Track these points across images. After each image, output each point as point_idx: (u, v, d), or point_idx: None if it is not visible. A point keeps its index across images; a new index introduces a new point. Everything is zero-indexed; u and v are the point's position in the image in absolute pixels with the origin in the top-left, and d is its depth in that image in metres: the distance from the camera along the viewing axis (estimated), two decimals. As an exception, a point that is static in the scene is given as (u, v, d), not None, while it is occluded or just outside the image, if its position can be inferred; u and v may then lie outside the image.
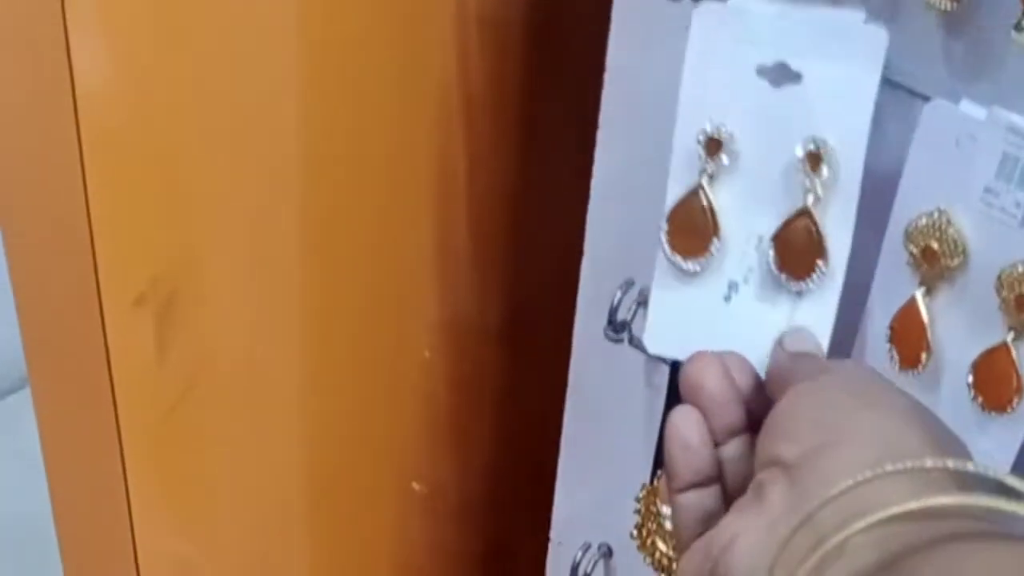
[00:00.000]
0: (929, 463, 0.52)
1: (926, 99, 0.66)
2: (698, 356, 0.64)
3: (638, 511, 0.90)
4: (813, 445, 0.55)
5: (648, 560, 0.90)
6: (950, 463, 0.52)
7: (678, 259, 0.69)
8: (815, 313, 0.67)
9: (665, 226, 0.69)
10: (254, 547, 1.03)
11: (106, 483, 0.90)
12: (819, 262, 0.67)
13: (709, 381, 0.64)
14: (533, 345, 1.11)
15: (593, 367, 0.90)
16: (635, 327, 0.85)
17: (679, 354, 0.69)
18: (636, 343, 0.85)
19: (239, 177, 0.86)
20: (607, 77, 0.79)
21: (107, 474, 0.89)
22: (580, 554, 0.96)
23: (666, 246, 0.69)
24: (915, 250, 0.68)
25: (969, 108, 0.65)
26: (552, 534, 1.00)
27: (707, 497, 0.63)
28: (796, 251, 0.67)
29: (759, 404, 0.64)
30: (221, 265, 0.87)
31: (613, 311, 0.84)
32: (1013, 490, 0.50)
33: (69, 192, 0.79)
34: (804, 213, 0.66)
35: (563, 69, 1.02)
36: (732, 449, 0.64)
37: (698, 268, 0.68)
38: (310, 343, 0.97)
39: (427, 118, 0.96)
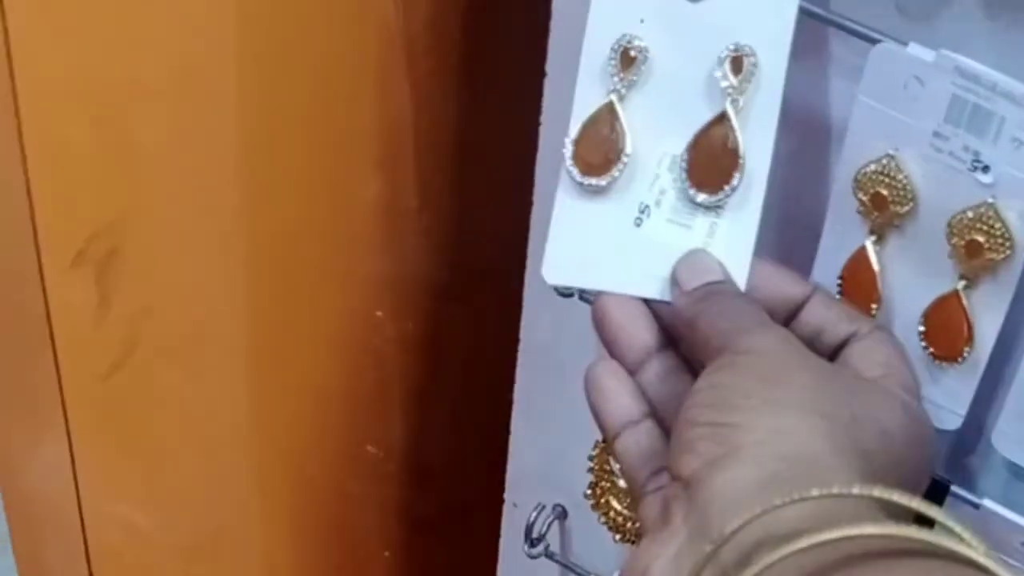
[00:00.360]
0: (814, 492, 0.51)
1: (874, 43, 0.65)
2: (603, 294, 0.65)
3: (591, 469, 0.89)
4: (708, 458, 0.55)
5: (602, 519, 0.89)
6: (856, 489, 0.51)
7: (582, 176, 0.66)
8: (733, 234, 0.64)
9: (570, 146, 0.66)
10: (203, 510, 1.02)
11: (50, 445, 0.89)
12: (734, 174, 0.64)
13: (613, 306, 0.64)
14: (486, 302, 1.10)
15: (544, 323, 0.89)
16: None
17: (582, 282, 0.68)
18: (587, 297, 0.84)
19: (179, 133, 0.84)
20: (553, 17, 0.78)
21: (51, 436, 0.88)
22: (534, 515, 0.95)
23: (569, 163, 0.66)
24: (865, 197, 0.67)
25: (917, 51, 0.64)
26: (506, 495, 0.99)
27: (641, 434, 0.63)
28: (711, 161, 0.64)
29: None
30: (162, 222, 0.86)
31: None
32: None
33: (5, 148, 0.77)
34: (722, 119, 0.64)
35: (510, 8, 1.00)
36: (651, 372, 0.64)
37: (604, 184, 0.65)
38: (257, 303, 0.96)
39: (370, 68, 0.95)
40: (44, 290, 0.81)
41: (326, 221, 0.98)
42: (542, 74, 0.80)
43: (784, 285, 0.64)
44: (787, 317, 0.64)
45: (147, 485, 0.97)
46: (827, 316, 0.63)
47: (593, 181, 0.65)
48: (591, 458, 0.89)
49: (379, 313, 1.06)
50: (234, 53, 0.85)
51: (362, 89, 0.95)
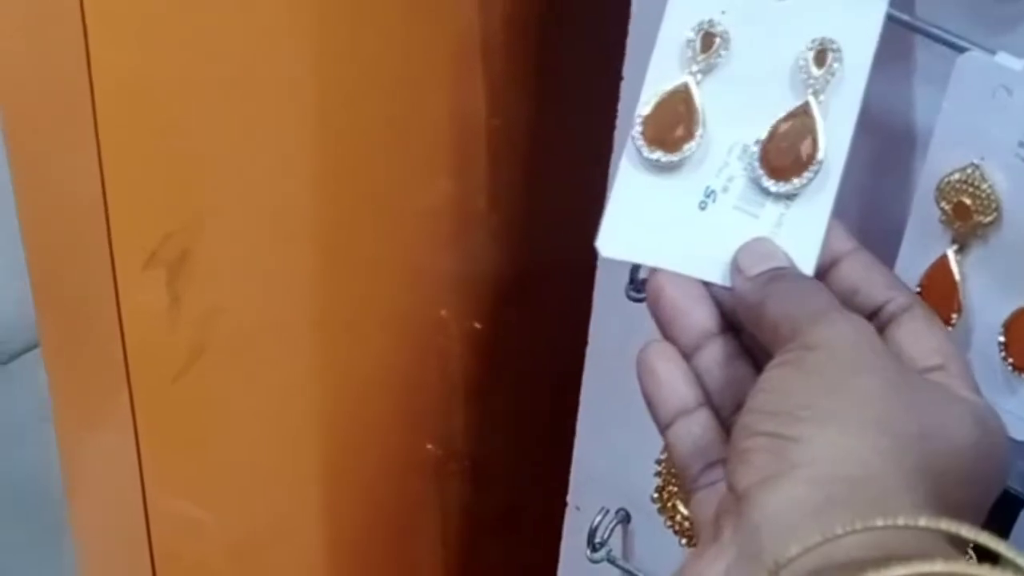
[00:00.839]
0: (879, 522, 0.49)
1: (961, 51, 0.64)
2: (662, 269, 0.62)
3: (659, 473, 0.89)
4: (763, 474, 0.52)
5: (668, 523, 0.89)
6: (923, 522, 0.49)
7: (649, 151, 0.63)
8: (802, 227, 0.62)
9: (639, 119, 0.64)
10: (266, 509, 1.02)
11: (117, 444, 0.89)
12: (811, 165, 0.62)
13: (670, 285, 0.61)
14: (552, 304, 1.10)
15: (613, 327, 0.88)
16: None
17: (637, 257, 0.65)
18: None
19: (250, 134, 0.85)
20: (632, 21, 0.77)
21: (118, 435, 0.89)
22: (598, 519, 0.95)
23: (638, 136, 0.64)
24: (947, 206, 0.66)
25: (1005, 60, 0.63)
26: (569, 498, 0.98)
27: (694, 424, 0.60)
28: (787, 150, 0.62)
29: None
30: (233, 223, 0.86)
31: (634, 269, 0.82)
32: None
33: (82, 151, 0.78)
34: (802, 110, 0.62)
35: (585, 11, 1.00)
36: (708, 357, 0.61)
37: (671, 160, 0.63)
38: (323, 302, 0.96)
39: (442, 67, 0.95)
40: (116, 293, 0.81)
41: (395, 221, 0.98)
42: (616, 75, 0.79)
43: (829, 236, 0.62)
44: (823, 268, 0.62)
45: (211, 483, 0.97)
46: (866, 278, 0.60)
47: (660, 156, 0.63)
48: (659, 462, 0.89)
49: (444, 312, 1.06)
50: (306, 54, 0.85)
51: (436, 90, 0.95)
